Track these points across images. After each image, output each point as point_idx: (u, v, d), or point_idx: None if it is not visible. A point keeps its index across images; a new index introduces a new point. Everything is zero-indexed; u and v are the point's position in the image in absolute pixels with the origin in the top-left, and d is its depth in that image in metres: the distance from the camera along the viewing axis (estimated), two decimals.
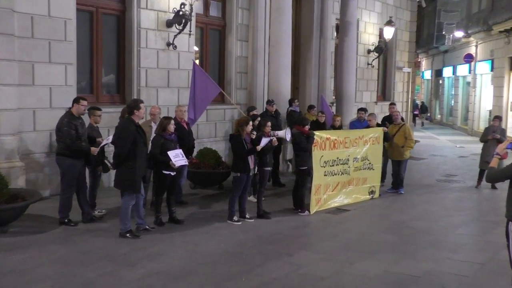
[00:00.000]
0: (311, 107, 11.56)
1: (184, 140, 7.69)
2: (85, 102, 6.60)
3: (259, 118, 8.33)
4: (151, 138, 6.87)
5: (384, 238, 6.71)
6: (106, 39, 9.22)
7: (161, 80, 9.82)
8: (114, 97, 9.36)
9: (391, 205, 8.83)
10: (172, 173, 6.73)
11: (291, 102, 11.01)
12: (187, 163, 6.91)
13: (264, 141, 7.10)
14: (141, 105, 6.19)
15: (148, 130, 7.02)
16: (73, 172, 6.51)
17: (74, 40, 8.33)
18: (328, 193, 8.27)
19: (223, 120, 11.25)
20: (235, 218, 7.14)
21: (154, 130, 7.13)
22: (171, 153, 6.56)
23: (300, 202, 7.89)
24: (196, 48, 10.79)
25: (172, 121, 6.78)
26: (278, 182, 9.92)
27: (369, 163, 9.02)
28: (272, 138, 7.27)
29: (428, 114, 30.37)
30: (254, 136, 7.11)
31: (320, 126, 9.52)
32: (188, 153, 7.84)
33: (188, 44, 10.20)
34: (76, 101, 6.59)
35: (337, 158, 8.39)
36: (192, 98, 8.52)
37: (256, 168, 7.33)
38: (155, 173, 6.81)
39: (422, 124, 28.03)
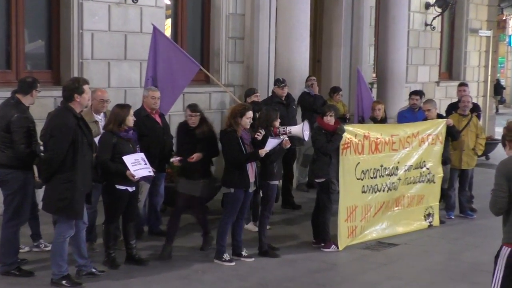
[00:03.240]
0: (335, 90, 11.48)
1: (158, 141, 7.70)
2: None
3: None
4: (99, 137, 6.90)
5: None
6: None
7: (114, 50, 9.82)
8: (43, 75, 9.31)
9: (462, 236, 8.82)
10: (130, 189, 6.74)
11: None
12: (152, 174, 6.89)
13: (272, 142, 7.10)
14: (85, 87, 6.22)
15: (94, 126, 7.03)
16: (28, 192, 6.55)
17: None
18: (368, 218, 8.28)
19: (207, 109, 11.19)
20: (226, 256, 7.15)
21: (102, 124, 7.16)
22: (128, 159, 6.57)
23: (323, 232, 7.90)
24: (167, 2, 10.80)
25: (131, 111, 6.80)
26: (291, 203, 9.93)
27: (429, 173, 9.03)
28: (283, 138, 7.27)
29: (503, 96, 30.42)
30: (260, 137, 7.14)
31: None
32: (164, 160, 7.87)
33: None
34: (32, 85, 6.62)
35: (381, 166, 8.40)
36: (149, 81, 8.52)
37: (258, 181, 7.34)
38: (104, 189, 6.83)
39: (496, 110, 28.00)
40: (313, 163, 7.90)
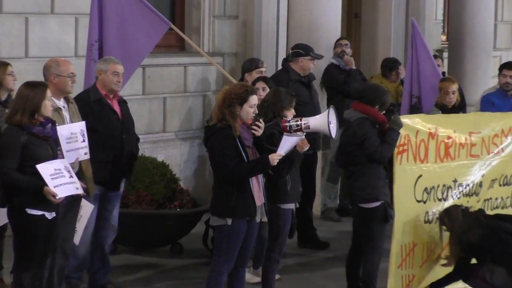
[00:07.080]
0: (393, 64, 11.40)
1: (114, 141, 7.74)
2: None
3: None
4: None
5: None
6: None
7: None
8: None
9: None
10: (49, 215, 6.58)
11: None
12: (80, 192, 6.73)
13: (289, 142, 6.94)
14: None
15: (56, 117, 7.00)
16: None
17: None
18: (433, 264, 8.16)
19: (182, 92, 11.20)
20: None
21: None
22: (44, 168, 6.41)
23: (366, 284, 7.78)
24: None
25: (48, 93, 6.64)
26: (313, 238, 9.86)
27: None
28: (300, 134, 7.11)
29: None
30: (258, 131, 6.99)
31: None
32: (126, 169, 7.89)
33: None
34: None
35: (455, 181, 8.26)
36: (94, 49, 8.53)
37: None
38: (9, 216, 6.71)
39: None
40: (354, 178, 7.66)
